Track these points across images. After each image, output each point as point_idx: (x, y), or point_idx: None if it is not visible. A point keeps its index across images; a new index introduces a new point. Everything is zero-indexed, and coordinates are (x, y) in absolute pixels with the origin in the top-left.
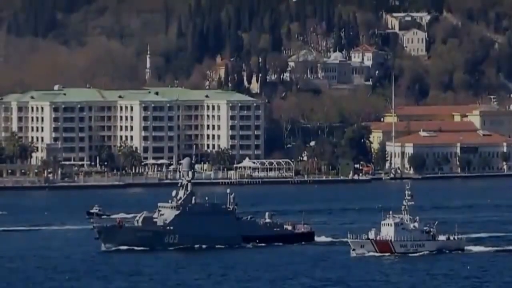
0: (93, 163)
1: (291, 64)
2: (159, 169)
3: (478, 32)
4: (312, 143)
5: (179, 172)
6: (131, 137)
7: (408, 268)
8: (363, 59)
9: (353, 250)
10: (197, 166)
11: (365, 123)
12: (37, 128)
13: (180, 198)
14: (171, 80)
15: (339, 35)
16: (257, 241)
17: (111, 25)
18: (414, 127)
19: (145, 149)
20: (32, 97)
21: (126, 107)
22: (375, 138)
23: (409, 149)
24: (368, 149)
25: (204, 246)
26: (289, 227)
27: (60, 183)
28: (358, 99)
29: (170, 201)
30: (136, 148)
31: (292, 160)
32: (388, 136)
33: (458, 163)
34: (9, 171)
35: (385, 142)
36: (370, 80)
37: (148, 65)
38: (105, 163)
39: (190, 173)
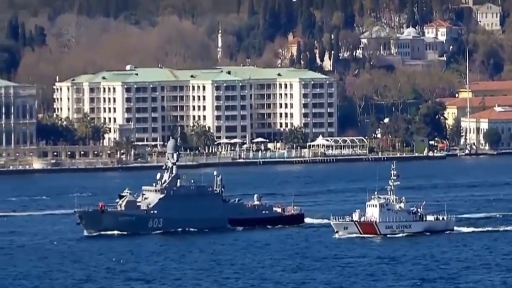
0: (166, 143)
1: (364, 40)
2: (232, 148)
3: None
4: (386, 120)
5: (252, 151)
6: (204, 116)
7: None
8: (436, 34)
9: (336, 232)
10: (270, 145)
11: (439, 99)
12: (109, 109)
13: (165, 181)
14: (243, 59)
15: (412, 10)
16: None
17: (183, 4)
18: (489, 103)
19: (218, 129)
20: (104, 78)
21: (199, 87)
22: (450, 114)
23: (484, 125)
24: (443, 125)
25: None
26: (279, 210)
27: (133, 164)
28: (432, 75)
29: (154, 184)
30: (209, 127)
31: (366, 137)
32: (463, 112)
33: None
34: (82, 152)
35: (460, 118)
36: (444, 55)
37: (220, 44)
38: (178, 143)
39: (175, 155)
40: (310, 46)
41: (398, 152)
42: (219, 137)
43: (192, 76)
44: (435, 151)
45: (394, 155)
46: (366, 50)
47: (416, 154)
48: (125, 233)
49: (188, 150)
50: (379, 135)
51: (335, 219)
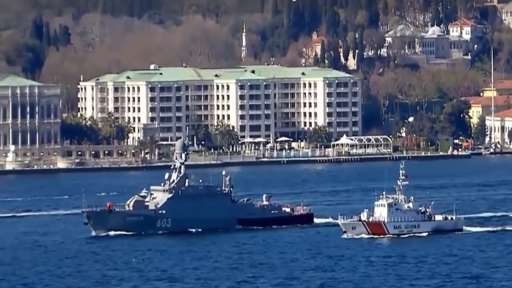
0: (190, 143)
1: (388, 39)
2: (256, 147)
3: None
4: (411, 119)
5: (276, 150)
6: (228, 116)
7: None
8: (461, 33)
9: (344, 232)
10: (294, 144)
11: (464, 98)
12: (134, 108)
13: (173, 181)
14: (267, 58)
15: (436, 9)
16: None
17: (207, 4)
18: None
19: (242, 128)
20: (128, 77)
21: (223, 86)
22: (475, 112)
23: (509, 123)
24: (468, 124)
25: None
26: (288, 209)
27: (157, 163)
28: (457, 74)
29: (162, 184)
30: (233, 126)
31: (390, 136)
32: (488, 110)
33: None
34: (106, 152)
35: (485, 117)
36: (469, 54)
37: (244, 43)
38: (202, 142)
39: (183, 155)
40: (334, 45)
41: (422, 151)
42: (243, 136)
43: (216, 75)
44: (460, 150)
45: (419, 154)
46: (391, 48)
47: (441, 153)
48: (132, 233)
49: (212, 149)
50: (403, 134)
51: (343, 219)
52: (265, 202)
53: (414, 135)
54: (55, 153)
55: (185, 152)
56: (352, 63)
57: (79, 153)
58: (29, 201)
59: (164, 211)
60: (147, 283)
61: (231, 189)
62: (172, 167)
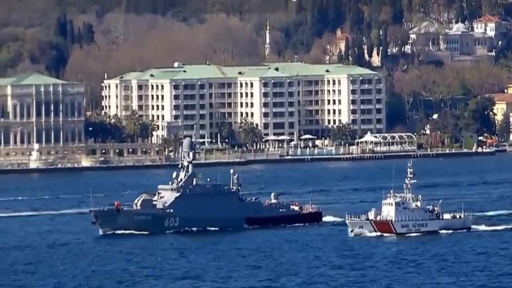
0: (214, 141)
1: (413, 36)
2: (280, 145)
3: None
4: (435, 116)
5: (300, 148)
6: (252, 113)
7: None
8: (485, 29)
9: (352, 231)
10: (318, 142)
11: (488, 95)
12: (157, 106)
13: (181, 179)
14: (291, 55)
15: (460, 5)
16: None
17: (231, 1)
18: None
19: (266, 125)
20: (152, 75)
21: (246, 84)
22: (499, 109)
23: None
24: (492, 121)
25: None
26: (296, 208)
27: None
28: (481, 71)
29: (170, 183)
30: (257, 124)
31: (415, 133)
32: None
33: None
34: (130, 150)
35: (509, 114)
36: (493, 50)
37: (267, 40)
38: (226, 140)
39: (191, 154)
40: (358, 42)
41: (447, 148)
42: (267, 134)
43: (240, 73)
44: (484, 147)
45: (443, 151)
46: (415, 45)
47: (465, 150)
48: (140, 232)
49: (236, 147)
50: (427, 131)
51: (350, 217)
52: (273, 201)
53: (438, 132)
54: (79, 152)
55: (193, 151)
56: (376, 60)
57: (103, 151)
58: (52, 199)
59: (172, 210)
60: (171, 282)
61: (239, 187)
62: (179, 166)
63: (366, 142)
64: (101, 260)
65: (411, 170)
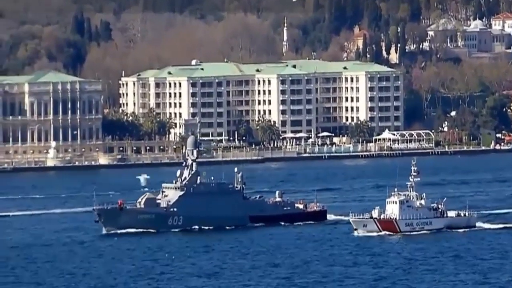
0: (231, 138)
1: (431, 33)
2: (298, 142)
3: None
4: (453, 113)
5: (317, 145)
6: (269, 111)
7: None
8: (503, 26)
9: (355, 229)
10: (335, 139)
11: (506, 92)
12: (175, 104)
13: (185, 178)
14: (309, 52)
15: (479, 2)
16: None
17: None
18: None
19: (283, 123)
20: (169, 73)
21: (264, 81)
22: None
23: None
24: (510, 118)
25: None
26: (301, 206)
27: (198, 159)
28: (499, 67)
29: (174, 181)
30: (274, 122)
31: (433, 130)
32: None
33: None
34: (148, 147)
35: None
36: (511, 47)
37: (285, 38)
38: (244, 137)
39: (195, 152)
40: (376, 39)
41: (464, 145)
42: (285, 132)
43: (257, 70)
44: (502, 144)
45: (461, 149)
46: (433, 42)
47: (483, 148)
48: (144, 230)
49: (253, 145)
50: (445, 129)
51: (354, 216)
52: (277, 199)
53: (456, 130)
54: (97, 149)
55: (197, 149)
56: (394, 57)
57: (121, 149)
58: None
59: (175, 209)
60: (184, 279)
61: (243, 186)
62: (184, 164)
63: (384, 139)
64: (114, 257)
65: (415, 168)
